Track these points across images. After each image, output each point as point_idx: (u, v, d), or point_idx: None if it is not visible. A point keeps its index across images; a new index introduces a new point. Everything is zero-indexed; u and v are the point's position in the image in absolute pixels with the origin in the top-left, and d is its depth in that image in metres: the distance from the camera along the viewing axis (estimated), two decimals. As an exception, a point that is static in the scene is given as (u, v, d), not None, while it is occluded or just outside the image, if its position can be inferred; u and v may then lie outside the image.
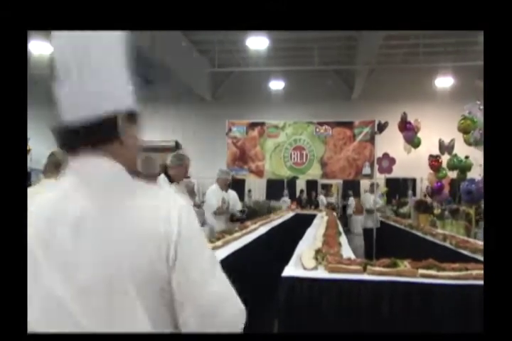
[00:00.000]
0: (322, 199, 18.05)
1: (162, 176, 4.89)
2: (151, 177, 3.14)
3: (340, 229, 7.11)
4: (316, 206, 17.21)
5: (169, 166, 4.91)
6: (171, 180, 4.87)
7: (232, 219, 6.92)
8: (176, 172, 4.89)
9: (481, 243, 5.31)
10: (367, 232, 9.69)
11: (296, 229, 8.90)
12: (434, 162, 12.18)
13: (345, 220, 16.79)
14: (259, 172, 17.60)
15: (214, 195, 6.68)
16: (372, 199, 9.33)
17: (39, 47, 13.96)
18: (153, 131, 21.20)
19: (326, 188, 19.82)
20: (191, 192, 6.85)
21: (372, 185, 9.54)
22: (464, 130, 9.79)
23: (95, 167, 1.23)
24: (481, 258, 4.27)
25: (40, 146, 18.74)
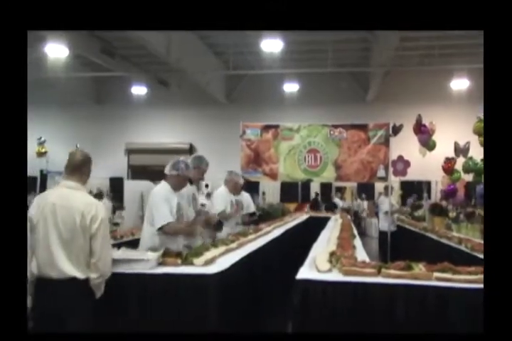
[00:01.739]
0: (337, 202, 18.01)
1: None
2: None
3: (355, 231, 7.09)
4: (333, 208, 17.14)
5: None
6: (190, 181, 4.92)
7: (244, 222, 6.82)
8: (194, 174, 4.95)
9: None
10: (382, 235, 9.59)
11: (310, 231, 8.89)
12: (446, 164, 12.09)
13: (358, 223, 16.72)
14: (273, 175, 17.54)
15: (221, 199, 6.34)
16: (387, 202, 9.23)
17: (55, 50, 14.06)
18: (168, 133, 21.32)
19: (340, 191, 19.75)
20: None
21: (386, 187, 9.43)
22: (480, 132, 9.71)
23: None
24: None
25: (56, 149, 18.94)
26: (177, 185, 4.46)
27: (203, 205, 6.26)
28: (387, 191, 9.31)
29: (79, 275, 2.98)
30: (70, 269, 2.96)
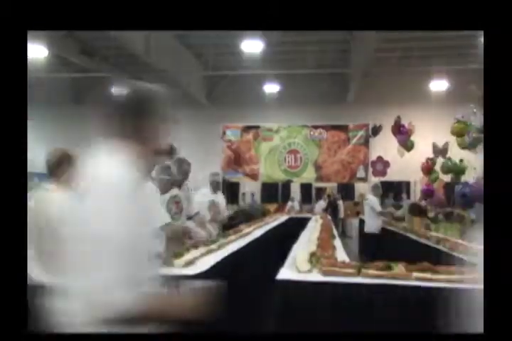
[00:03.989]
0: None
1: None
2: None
3: (335, 232, 7.12)
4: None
5: None
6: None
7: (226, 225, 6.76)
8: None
9: (473, 245, 5.32)
10: (367, 236, 9.52)
11: (290, 232, 8.88)
12: (425, 165, 12.22)
13: (337, 223, 16.75)
14: (253, 176, 17.63)
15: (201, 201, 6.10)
16: (377, 203, 9.16)
17: (34, 50, 13.89)
18: (148, 134, 21.21)
19: (320, 192, 19.81)
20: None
21: (374, 187, 9.38)
22: (458, 133, 9.83)
23: None
24: (474, 260, 4.28)
25: (36, 149, 18.73)
26: (163, 189, 4.44)
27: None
28: (376, 191, 9.24)
29: None
30: None
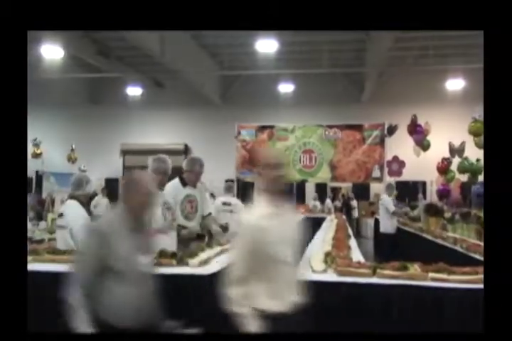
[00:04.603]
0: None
1: (176, 180, 4.91)
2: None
3: (350, 232, 7.09)
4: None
5: (184, 170, 4.94)
6: (185, 183, 4.89)
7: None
8: (189, 176, 4.91)
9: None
10: (383, 237, 9.45)
11: (305, 232, 8.84)
12: (441, 164, 12.12)
13: (352, 223, 16.68)
14: (268, 176, 17.59)
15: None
16: (391, 203, 9.10)
17: (51, 51, 14.02)
18: (163, 134, 21.29)
19: (335, 191, 19.73)
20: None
21: (389, 186, 9.31)
22: (475, 133, 9.74)
23: None
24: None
25: (52, 150, 18.89)
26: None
27: (226, 204, 7.06)
28: (390, 190, 9.17)
29: None
30: None
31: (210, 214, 5.19)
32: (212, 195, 8.29)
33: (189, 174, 4.93)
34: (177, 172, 4.93)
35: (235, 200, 7.31)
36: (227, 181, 8.08)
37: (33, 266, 3.46)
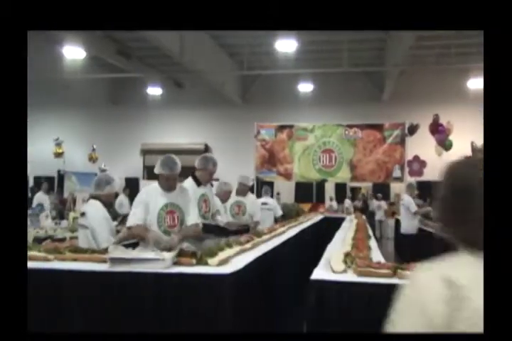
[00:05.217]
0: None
1: (190, 179, 4.94)
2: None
3: (370, 232, 7.05)
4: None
5: (197, 168, 4.97)
6: (199, 182, 4.91)
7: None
8: (203, 175, 4.93)
9: None
10: (404, 237, 9.35)
11: (325, 232, 8.83)
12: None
13: (373, 224, 16.61)
14: (287, 175, 17.54)
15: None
16: (413, 203, 8.99)
17: (72, 51, 14.19)
18: (183, 134, 21.40)
19: (354, 191, 19.64)
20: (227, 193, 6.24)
21: (409, 186, 9.22)
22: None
23: None
24: None
25: (73, 149, 19.10)
26: (165, 185, 4.34)
27: (264, 204, 8.68)
28: (411, 190, 9.07)
29: None
30: None
31: (217, 211, 5.23)
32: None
33: (202, 172, 4.94)
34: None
35: (271, 200, 9.47)
36: (264, 184, 9.91)
37: (54, 264, 3.51)
